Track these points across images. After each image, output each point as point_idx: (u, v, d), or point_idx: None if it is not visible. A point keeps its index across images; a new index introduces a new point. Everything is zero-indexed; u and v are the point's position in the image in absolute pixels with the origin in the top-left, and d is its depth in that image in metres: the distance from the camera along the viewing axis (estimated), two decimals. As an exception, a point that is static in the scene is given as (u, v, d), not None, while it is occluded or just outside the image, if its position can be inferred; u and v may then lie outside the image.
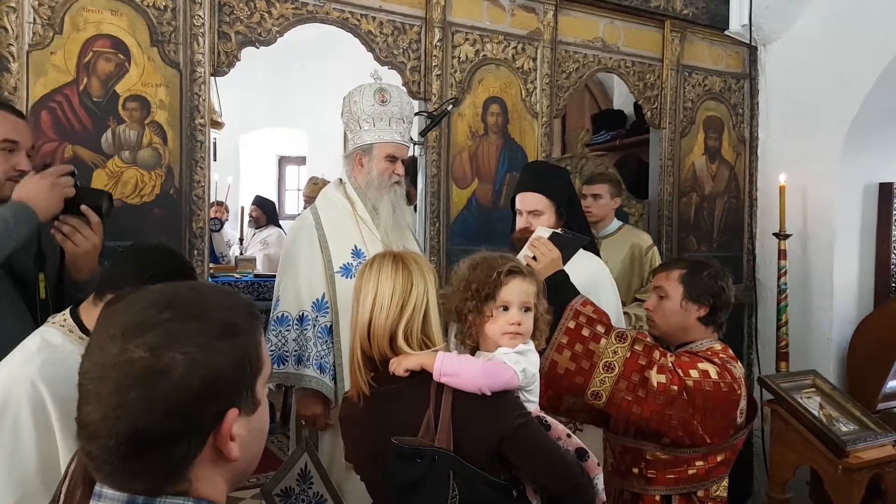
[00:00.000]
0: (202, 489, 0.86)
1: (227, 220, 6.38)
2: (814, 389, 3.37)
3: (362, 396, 1.70)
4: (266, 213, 6.52)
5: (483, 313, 1.76)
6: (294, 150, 7.65)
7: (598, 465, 1.77)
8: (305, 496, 2.49)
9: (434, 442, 1.58)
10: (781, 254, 3.80)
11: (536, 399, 1.81)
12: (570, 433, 1.76)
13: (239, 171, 7.26)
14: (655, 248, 3.52)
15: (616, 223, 3.56)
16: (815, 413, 3.17)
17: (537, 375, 1.79)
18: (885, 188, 3.91)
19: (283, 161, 7.97)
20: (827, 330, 3.89)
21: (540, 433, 1.67)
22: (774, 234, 3.84)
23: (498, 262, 1.77)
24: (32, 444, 1.59)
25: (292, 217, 7.22)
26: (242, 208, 6.19)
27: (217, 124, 5.11)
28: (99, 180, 2.63)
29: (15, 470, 1.58)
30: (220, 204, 6.08)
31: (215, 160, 5.63)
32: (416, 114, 3.14)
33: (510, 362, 1.67)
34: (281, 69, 6.62)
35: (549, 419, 1.76)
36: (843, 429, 3.11)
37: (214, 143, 5.53)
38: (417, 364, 1.63)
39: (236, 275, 5.29)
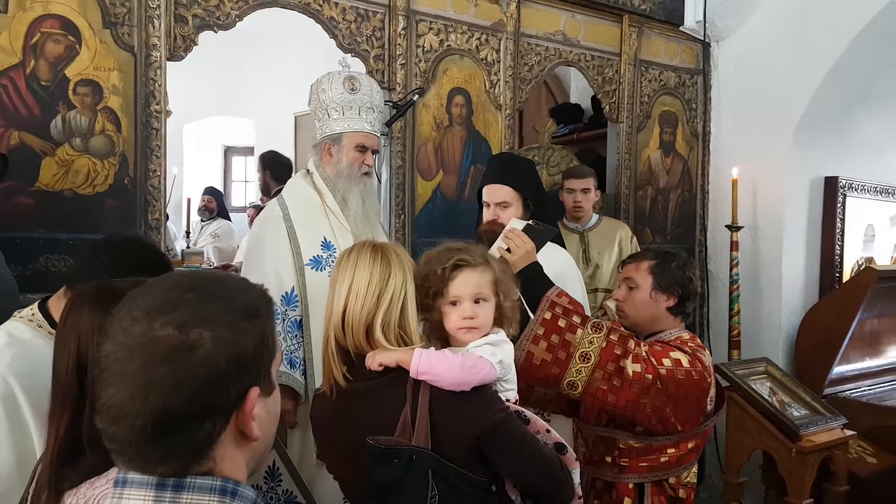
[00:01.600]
0: (226, 469, 0.86)
1: None
2: (766, 376, 3.46)
3: (336, 392, 1.64)
4: (218, 203, 6.33)
5: (437, 310, 1.73)
6: (241, 140, 7.45)
7: (576, 459, 1.76)
8: (274, 494, 2.43)
9: (411, 441, 1.54)
10: (733, 245, 3.91)
11: (514, 387, 1.78)
12: (549, 428, 1.74)
13: (183, 161, 7.01)
14: (634, 237, 3.59)
15: (595, 216, 3.61)
16: (768, 399, 3.26)
17: (513, 365, 1.77)
18: (830, 182, 4.06)
19: (229, 151, 7.74)
20: (776, 319, 4.01)
21: (519, 429, 1.64)
22: (727, 226, 3.94)
23: (442, 257, 1.72)
24: (7, 441, 1.54)
25: (240, 209, 7.02)
26: (189, 200, 5.97)
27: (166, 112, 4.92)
28: (48, 169, 2.50)
29: None
30: None
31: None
32: (382, 104, 3.10)
33: (486, 355, 1.63)
34: (227, 56, 6.42)
35: (528, 413, 1.73)
36: (796, 413, 3.21)
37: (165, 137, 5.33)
38: (393, 360, 1.59)
39: (183, 269, 5.12)
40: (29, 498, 1.30)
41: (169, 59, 2.73)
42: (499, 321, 1.76)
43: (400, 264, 1.66)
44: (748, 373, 3.43)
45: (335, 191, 2.56)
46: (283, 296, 2.46)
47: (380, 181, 3.20)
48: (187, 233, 5.75)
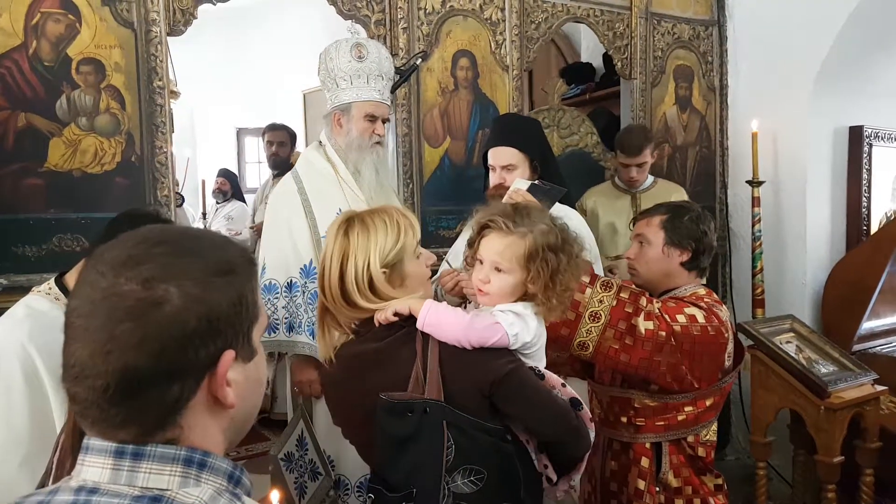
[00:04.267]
0: (194, 438, 0.81)
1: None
2: (792, 334, 3.38)
3: (340, 357, 1.65)
4: (232, 185, 6.37)
5: (472, 261, 1.73)
6: (252, 121, 7.47)
7: (591, 419, 1.73)
8: (303, 461, 2.47)
9: (424, 394, 1.54)
10: (755, 201, 3.81)
11: (539, 363, 1.71)
12: (565, 383, 1.72)
13: (195, 144, 7.05)
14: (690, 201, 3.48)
15: (650, 177, 3.52)
16: (795, 356, 3.19)
17: (536, 344, 1.68)
18: (854, 131, 3.92)
19: (241, 133, 7.77)
20: (801, 275, 3.91)
21: (531, 377, 1.63)
22: (748, 182, 3.84)
23: (486, 213, 1.70)
24: (25, 403, 1.58)
25: (255, 191, 7.07)
26: (203, 182, 6.01)
27: (173, 93, 4.91)
28: (56, 150, 2.52)
29: (13, 429, 1.57)
30: None
31: (172, 132, 5.47)
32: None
33: (504, 322, 1.59)
34: (233, 38, 6.43)
35: (543, 370, 1.71)
36: (823, 370, 3.13)
37: (171, 115, 5.35)
38: (406, 308, 1.57)
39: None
40: (53, 467, 1.31)
41: (169, 34, 2.72)
42: (531, 298, 1.66)
43: (364, 242, 1.61)
44: (773, 331, 3.35)
45: (347, 161, 2.54)
46: (301, 268, 2.47)
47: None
48: (203, 214, 5.78)
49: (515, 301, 1.66)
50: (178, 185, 5.99)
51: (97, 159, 2.58)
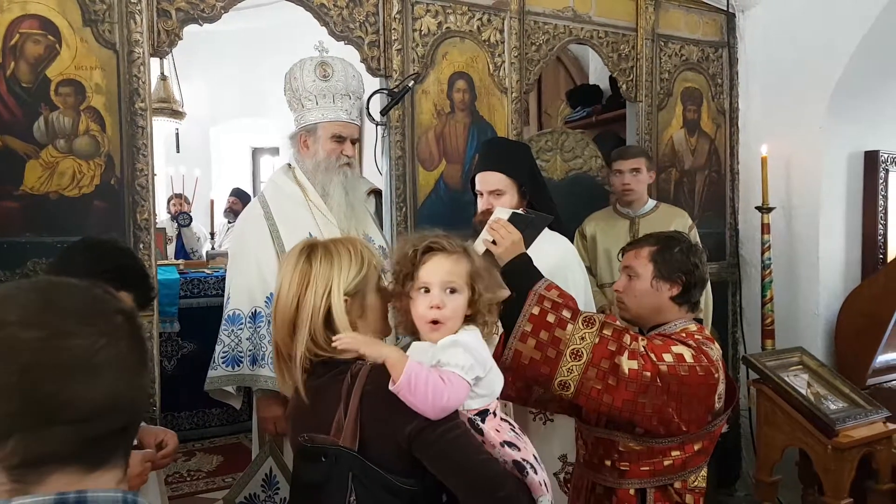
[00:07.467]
0: None
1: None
2: (801, 367, 3.25)
3: (295, 396, 1.55)
4: (244, 204, 6.35)
5: (406, 296, 1.60)
6: (267, 140, 7.46)
7: (544, 485, 1.54)
8: (272, 502, 2.36)
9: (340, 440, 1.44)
10: (764, 228, 3.67)
11: (484, 393, 1.58)
12: (512, 442, 1.55)
13: (210, 163, 7.05)
14: (694, 226, 3.35)
15: (651, 201, 3.40)
16: (803, 391, 3.05)
17: (486, 374, 1.57)
18: (870, 156, 3.77)
19: (256, 152, 7.78)
20: (813, 305, 3.75)
21: (457, 433, 1.45)
22: (757, 208, 3.70)
23: (417, 239, 1.61)
24: None
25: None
26: (212, 202, 5.99)
27: (178, 114, 4.92)
28: (33, 172, 2.46)
29: None
30: (178, 196, 5.87)
31: (178, 152, 5.47)
32: (376, 91, 2.98)
33: (459, 369, 1.46)
34: (250, 58, 6.45)
35: (483, 425, 1.55)
36: (832, 407, 2.99)
37: (177, 134, 5.36)
38: (380, 355, 1.44)
39: (208, 270, 5.11)
40: None
41: (153, 55, 2.67)
42: (472, 319, 1.60)
43: (329, 267, 1.51)
44: (781, 364, 3.22)
45: (316, 183, 2.47)
46: (267, 297, 2.39)
47: (381, 173, 3.10)
48: (212, 234, 5.75)
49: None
50: (188, 204, 6.00)
51: (75, 182, 2.53)
